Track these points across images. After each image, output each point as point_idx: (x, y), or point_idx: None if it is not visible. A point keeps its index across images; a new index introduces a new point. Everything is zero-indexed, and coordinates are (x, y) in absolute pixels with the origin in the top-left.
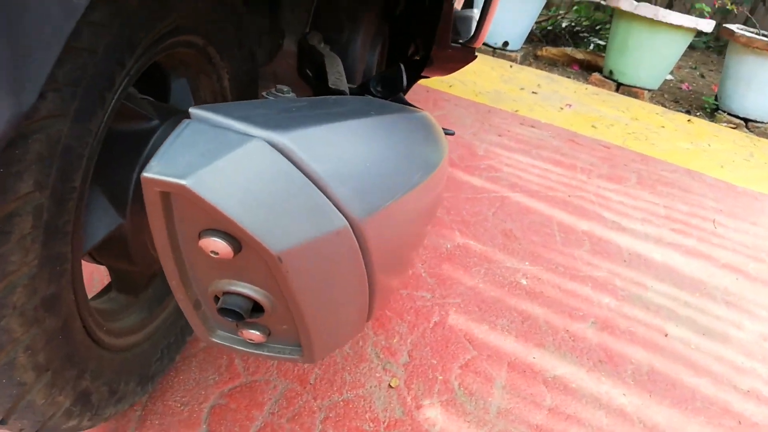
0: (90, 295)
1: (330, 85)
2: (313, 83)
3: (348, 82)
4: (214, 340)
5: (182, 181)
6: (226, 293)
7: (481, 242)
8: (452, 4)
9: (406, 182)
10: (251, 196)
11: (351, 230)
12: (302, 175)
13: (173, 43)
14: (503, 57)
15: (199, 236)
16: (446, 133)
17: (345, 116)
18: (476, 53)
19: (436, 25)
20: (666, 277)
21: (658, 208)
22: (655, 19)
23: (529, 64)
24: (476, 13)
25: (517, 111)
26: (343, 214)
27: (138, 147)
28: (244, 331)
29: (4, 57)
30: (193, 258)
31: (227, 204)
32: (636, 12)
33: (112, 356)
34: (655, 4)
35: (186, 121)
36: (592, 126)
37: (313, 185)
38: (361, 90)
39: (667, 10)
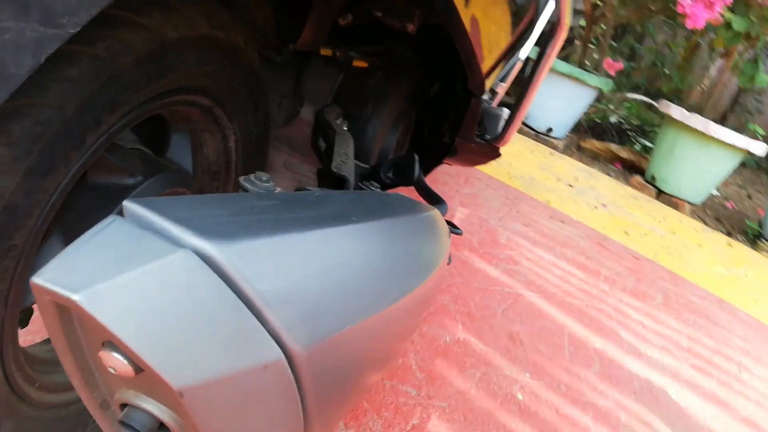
0: (38, 340)
1: (332, 167)
2: (323, 159)
3: (362, 160)
4: None
5: (72, 296)
6: (130, 406)
7: (484, 341)
8: (481, 101)
9: (372, 305)
10: (158, 319)
11: (286, 363)
12: (234, 295)
13: (172, 102)
14: (545, 142)
15: (102, 345)
16: (453, 232)
17: (315, 223)
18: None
19: (463, 117)
20: (676, 420)
21: (681, 338)
22: (705, 132)
23: (571, 154)
24: (506, 113)
25: (548, 202)
26: (279, 345)
27: (110, 203)
28: None
29: None
30: (98, 363)
31: (122, 327)
32: (686, 122)
33: (38, 414)
34: (710, 115)
35: (112, 217)
36: (625, 232)
37: (246, 308)
38: (371, 173)
39: (719, 126)
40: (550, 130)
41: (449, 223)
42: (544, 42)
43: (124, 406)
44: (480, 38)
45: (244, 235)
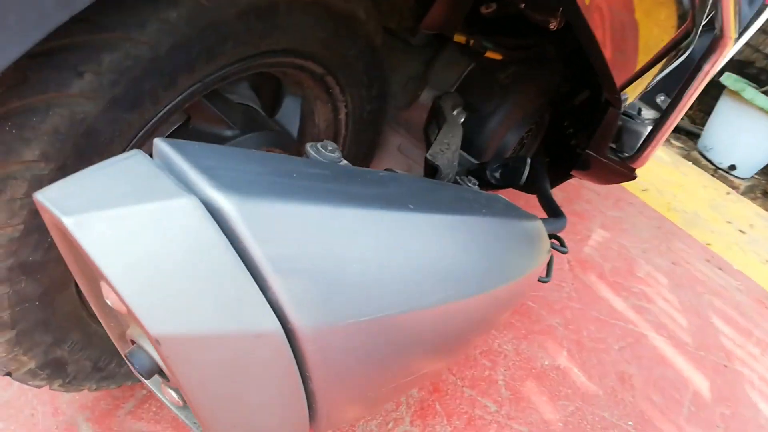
0: None
1: (427, 155)
2: (429, 147)
3: (473, 155)
4: (146, 381)
5: (63, 218)
6: (135, 343)
7: (588, 375)
8: (618, 112)
9: (407, 301)
10: (146, 261)
11: (284, 337)
12: (234, 254)
13: (280, 63)
14: (723, 180)
15: None
16: (556, 248)
17: (359, 201)
18: (635, 174)
19: (597, 127)
20: None
21: None
22: None
23: (753, 199)
24: (647, 130)
25: (709, 244)
26: (279, 316)
27: None
28: (165, 389)
29: None
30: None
31: (107, 260)
32: None
33: (101, 331)
34: None
35: (135, 151)
36: None
37: (245, 270)
38: (478, 169)
39: None
40: (732, 167)
41: (557, 238)
42: (701, 56)
43: (133, 342)
44: (614, 43)
45: (268, 194)
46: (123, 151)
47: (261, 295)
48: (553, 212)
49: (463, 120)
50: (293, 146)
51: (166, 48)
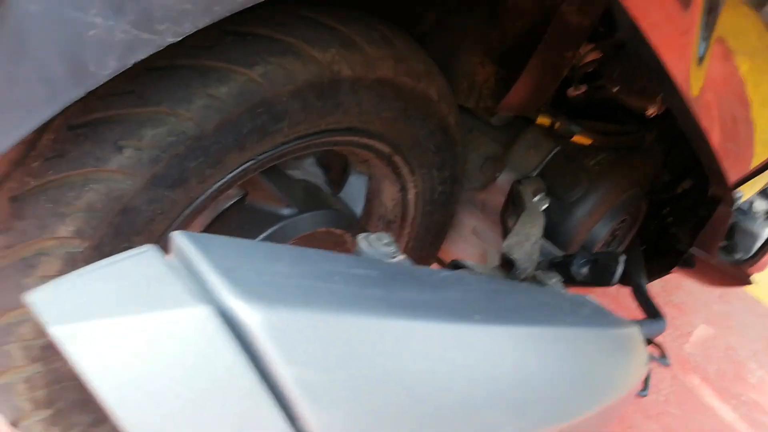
0: None
1: (503, 246)
2: (505, 233)
3: (557, 245)
4: None
5: (50, 327)
6: None
7: None
8: (731, 210)
9: None
10: (146, 381)
11: None
12: (255, 374)
13: (343, 141)
14: None
15: None
16: (655, 359)
17: (411, 310)
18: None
19: (704, 224)
20: None
21: None
22: None
23: None
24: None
25: None
26: None
27: (262, 228)
28: None
29: None
30: None
31: (98, 379)
32: None
33: None
34: None
35: (146, 246)
36: None
37: (272, 397)
38: (562, 262)
39: None
40: None
41: (656, 344)
42: None
43: None
44: (725, 135)
45: (300, 304)
46: (166, 230)
47: (289, 425)
48: (651, 312)
49: (545, 207)
50: (356, 226)
51: (214, 125)
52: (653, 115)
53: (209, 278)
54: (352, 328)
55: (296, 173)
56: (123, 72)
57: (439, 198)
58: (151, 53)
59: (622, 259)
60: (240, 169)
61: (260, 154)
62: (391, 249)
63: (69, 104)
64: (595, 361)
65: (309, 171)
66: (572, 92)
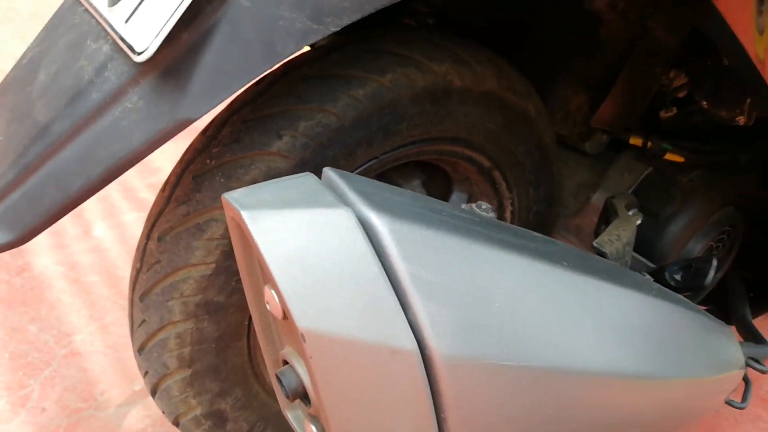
0: None
1: (594, 242)
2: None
3: (649, 259)
4: (286, 412)
5: (241, 211)
6: (286, 364)
7: None
8: None
9: (555, 358)
10: (303, 257)
11: (420, 358)
12: (378, 267)
13: (450, 151)
14: None
15: (265, 283)
16: (752, 366)
17: (508, 247)
18: None
19: None
20: None
21: None
22: None
23: None
24: None
25: None
26: (417, 336)
27: None
28: (307, 423)
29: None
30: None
31: (269, 250)
32: None
33: (260, 394)
34: None
35: (307, 173)
36: None
37: (388, 284)
38: (656, 272)
39: None
40: None
41: (756, 361)
42: None
43: (285, 363)
44: None
45: (417, 221)
46: None
47: (401, 312)
48: (756, 339)
49: (639, 223)
50: None
51: (351, 120)
52: (744, 125)
53: (350, 195)
54: (460, 248)
55: (401, 184)
56: (287, 79)
57: (534, 218)
58: (317, 39)
59: (715, 262)
60: (365, 165)
61: (383, 153)
62: (492, 215)
63: (257, 76)
64: (681, 333)
65: (416, 189)
66: (664, 114)
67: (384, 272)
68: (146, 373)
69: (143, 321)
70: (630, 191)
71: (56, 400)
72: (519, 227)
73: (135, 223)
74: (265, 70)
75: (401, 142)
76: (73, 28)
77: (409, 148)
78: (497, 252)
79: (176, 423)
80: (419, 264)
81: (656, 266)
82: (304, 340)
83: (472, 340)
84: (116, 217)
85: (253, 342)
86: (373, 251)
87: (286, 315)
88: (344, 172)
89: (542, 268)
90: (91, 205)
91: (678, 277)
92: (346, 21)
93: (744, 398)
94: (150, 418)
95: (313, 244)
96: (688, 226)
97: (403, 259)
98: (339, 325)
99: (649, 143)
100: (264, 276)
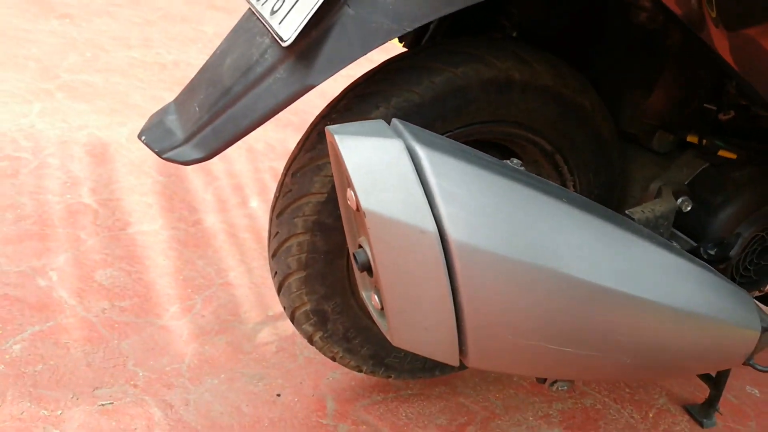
0: None
1: (626, 209)
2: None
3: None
4: (361, 292)
5: (334, 135)
6: (360, 247)
7: None
8: None
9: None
10: (368, 163)
11: (438, 238)
12: (416, 175)
13: (515, 134)
14: None
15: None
16: None
17: (531, 183)
18: None
19: None
20: None
21: None
22: None
23: None
24: None
25: None
26: (435, 218)
27: None
28: (372, 295)
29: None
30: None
31: (350, 159)
32: None
33: (360, 315)
34: None
35: (379, 120)
36: None
37: (421, 189)
38: (693, 249)
39: None
40: None
41: None
42: None
43: (360, 246)
44: None
45: (447, 152)
46: None
47: (428, 205)
48: None
49: (689, 209)
50: None
51: (429, 98)
52: None
53: (404, 132)
54: (479, 173)
55: None
56: (385, 69)
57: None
58: (398, 36)
59: (741, 234)
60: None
61: (456, 128)
62: (522, 168)
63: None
64: (692, 277)
65: None
66: (723, 117)
67: (420, 182)
68: (275, 273)
69: (277, 233)
70: (686, 183)
71: (212, 311)
72: (550, 183)
73: None
74: (363, 55)
75: (470, 121)
76: (249, 30)
77: (478, 126)
78: (516, 184)
79: (292, 318)
80: (445, 179)
81: (695, 244)
82: (365, 216)
83: (486, 232)
84: (268, 195)
85: (351, 267)
86: (414, 168)
87: (358, 207)
88: (407, 123)
89: (561, 194)
90: (250, 183)
91: (711, 251)
92: (416, 24)
93: None
94: (277, 336)
95: (375, 159)
96: (735, 214)
97: (434, 175)
98: (387, 209)
99: (705, 140)
100: (347, 180)
